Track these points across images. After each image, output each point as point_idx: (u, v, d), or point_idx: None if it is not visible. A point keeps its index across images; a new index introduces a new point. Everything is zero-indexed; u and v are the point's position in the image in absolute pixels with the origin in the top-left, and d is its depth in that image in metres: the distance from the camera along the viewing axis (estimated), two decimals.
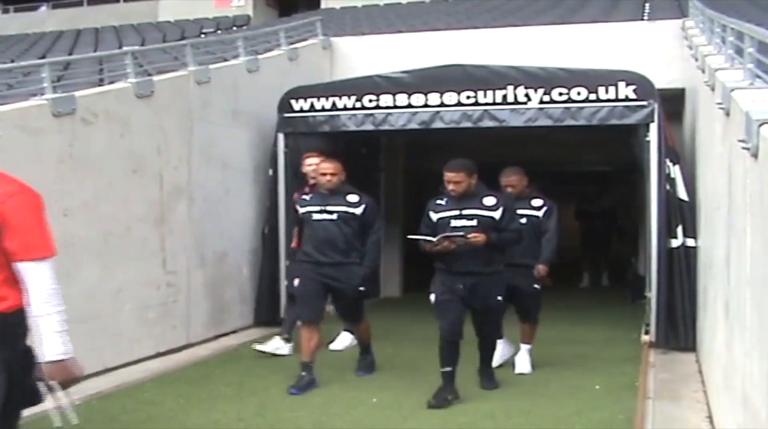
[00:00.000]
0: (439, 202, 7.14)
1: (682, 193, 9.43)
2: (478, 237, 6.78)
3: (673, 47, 12.17)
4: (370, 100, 10.67)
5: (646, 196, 9.86)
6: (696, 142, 9.79)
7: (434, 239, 6.83)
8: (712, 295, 7.13)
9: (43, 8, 31.46)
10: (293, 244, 9.01)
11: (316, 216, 7.69)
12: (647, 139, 9.61)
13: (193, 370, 8.35)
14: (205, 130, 9.91)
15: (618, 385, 7.60)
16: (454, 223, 6.96)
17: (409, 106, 10.54)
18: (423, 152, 14.60)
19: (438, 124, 10.47)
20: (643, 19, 14.95)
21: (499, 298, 7.12)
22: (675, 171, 9.51)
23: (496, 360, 7.89)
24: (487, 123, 10.29)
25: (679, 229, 9.34)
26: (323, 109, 10.85)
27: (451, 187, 6.96)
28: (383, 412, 6.73)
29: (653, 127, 9.57)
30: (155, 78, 9.49)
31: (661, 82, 10.14)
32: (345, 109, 10.77)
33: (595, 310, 12.64)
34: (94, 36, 23.56)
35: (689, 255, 9.26)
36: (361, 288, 7.73)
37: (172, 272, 9.20)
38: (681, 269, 9.31)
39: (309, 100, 10.89)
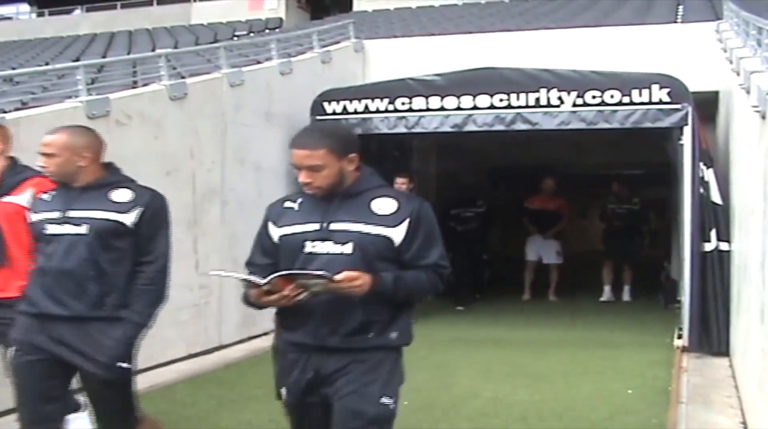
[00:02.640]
0: (288, 204, 3.77)
1: (715, 197, 9.36)
2: (354, 280, 3.40)
3: (707, 50, 12.08)
4: (403, 103, 10.67)
5: (679, 199, 9.81)
6: (730, 146, 9.72)
7: (263, 281, 3.50)
8: (746, 300, 7.08)
9: (78, 11, 31.73)
10: None
11: (52, 229, 4.25)
12: (681, 142, 9.55)
13: (224, 372, 8.39)
14: (238, 133, 9.95)
15: (651, 389, 7.56)
16: (311, 247, 3.57)
17: (442, 108, 10.53)
18: (456, 154, 14.62)
19: (470, 127, 10.45)
20: (676, 22, 14.88)
21: (388, 402, 3.75)
22: (709, 174, 9.44)
23: None
24: (520, 126, 10.26)
25: (713, 233, 9.26)
26: (356, 112, 10.86)
27: (302, 177, 3.62)
28: (415, 415, 6.71)
29: (687, 131, 9.51)
30: (189, 80, 9.54)
31: (694, 84, 10.07)
32: (377, 111, 10.78)
33: (627, 314, 12.56)
34: (127, 39, 23.74)
35: (723, 259, 9.18)
36: (122, 363, 4.14)
37: (205, 274, 9.24)
38: (714, 273, 9.23)
39: (341, 103, 10.91)
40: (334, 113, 10.92)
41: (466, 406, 6.99)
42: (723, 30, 12.07)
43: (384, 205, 3.60)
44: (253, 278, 3.55)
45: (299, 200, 3.74)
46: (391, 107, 10.73)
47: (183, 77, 9.92)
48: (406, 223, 3.54)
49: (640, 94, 9.74)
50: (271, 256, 3.77)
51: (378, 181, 3.76)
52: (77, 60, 16.96)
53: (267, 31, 24.06)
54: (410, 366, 8.50)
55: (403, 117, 10.70)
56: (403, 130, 10.77)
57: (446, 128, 10.57)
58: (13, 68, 16.83)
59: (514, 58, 11.69)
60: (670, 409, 6.80)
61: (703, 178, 9.42)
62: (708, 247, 9.29)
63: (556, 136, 11.24)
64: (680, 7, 16.74)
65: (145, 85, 9.61)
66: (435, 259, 3.60)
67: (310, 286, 3.46)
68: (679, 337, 9.49)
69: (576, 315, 12.44)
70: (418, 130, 10.74)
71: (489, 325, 11.53)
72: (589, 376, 8.16)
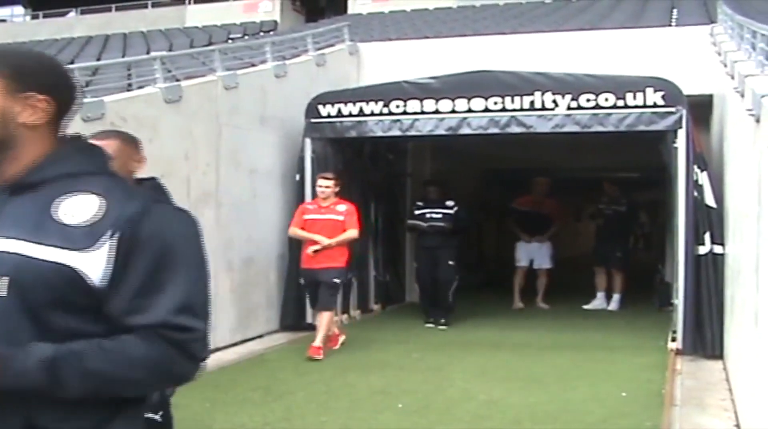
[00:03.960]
0: None
1: (709, 200, 9.37)
2: None
3: (702, 53, 12.10)
4: (398, 106, 10.67)
5: (673, 202, 9.82)
6: (724, 149, 9.74)
7: None
8: (740, 303, 7.09)
9: (72, 14, 31.73)
10: None
11: None
12: (675, 145, 9.56)
13: (219, 375, 8.37)
14: (232, 136, 9.95)
15: (644, 392, 7.56)
16: None
17: (437, 111, 10.53)
18: (450, 157, 14.62)
19: (465, 130, 10.45)
20: (671, 25, 14.92)
21: None
22: (703, 178, 9.45)
23: None
24: (515, 129, 10.26)
25: (707, 236, 9.28)
26: (350, 115, 10.86)
27: None
28: (409, 417, 6.74)
29: (681, 134, 9.52)
30: (183, 83, 9.54)
31: (689, 88, 10.08)
32: (372, 114, 10.78)
33: (621, 317, 12.58)
34: (122, 41, 23.73)
35: (717, 262, 9.19)
36: None
37: None
38: (708, 276, 9.25)
39: (336, 106, 10.91)
40: (328, 116, 10.92)
41: (460, 408, 7.00)
42: (717, 33, 12.10)
43: (77, 209, 1.92)
44: None
45: None
46: (385, 110, 10.72)
47: (178, 80, 9.92)
48: (108, 244, 1.87)
49: (635, 98, 9.75)
50: None
51: (85, 165, 2.04)
52: (72, 62, 16.93)
53: (261, 33, 24.09)
54: (404, 368, 8.55)
55: (398, 120, 10.71)
56: (398, 133, 10.77)
57: (441, 131, 10.58)
58: None
59: (508, 61, 11.71)
60: (664, 411, 6.82)
61: (697, 181, 9.43)
62: (702, 250, 9.31)
63: (550, 138, 11.25)
64: (674, 11, 16.78)
65: (140, 87, 9.60)
66: (164, 314, 1.89)
67: None
68: (673, 339, 9.50)
69: (570, 318, 12.44)
70: (412, 133, 10.75)
71: (483, 327, 11.52)
72: (583, 379, 8.16)
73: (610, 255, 13.72)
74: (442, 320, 11.62)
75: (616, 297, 13.65)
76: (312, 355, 8.91)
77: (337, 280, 9.33)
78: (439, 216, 11.82)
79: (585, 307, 13.64)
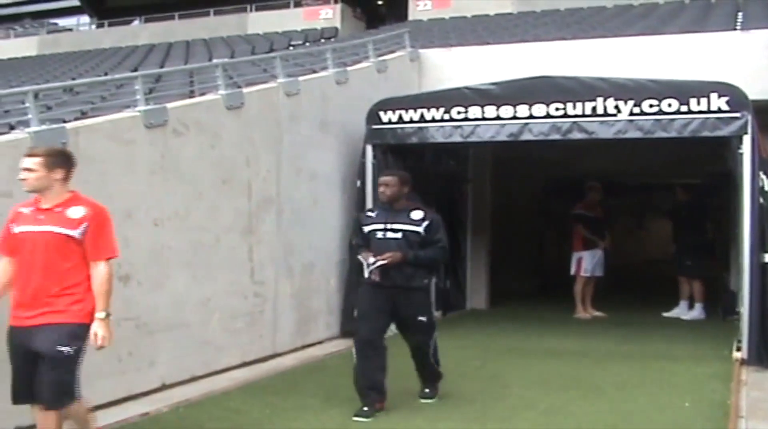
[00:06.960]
0: None
1: None
2: None
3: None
4: (459, 112, 10.64)
5: (738, 209, 9.66)
6: None
7: None
8: None
9: (136, 22, 32.21)
10: None
11: None
12: (740, 151, 9.41)
13: (278, 380, 8.41)
14: (293, 142, 9.99)
15: (709, 403, 7.44)
16: None
17: (498, 118, 10.47)
18: (511, 163, 14.55)
19: (527, 136, 10.38)
20: (735, 29, 14.68)
21: None
22: None
23: None
24: (576, 135, 10.17)
25: None
26: (411, 121, 10.86)
27: None
28: (469, 425, 6.69)
29: (746, 139, 9.37)
30: (245, 90, 9.60)
31: (754, 92, 9.91)
32: (433, 120, 10.77)
33: (684, 326, 12.42)
34: (184, 49, 24.02)
35: None
36: None
37: (260, 282, 9.27)
38: None
39: (397, 112, 10.92)
40: (389, 122, 10.94)
41: (520, 417, 6.94)
42: None
43: None
44: None
45: None
46: (446, 116, 10.70)
47: (239, 87, 9.99)
48: None
49: (698, 103, 9.61)
50: None
51: None
52: (135, 70, 17.17)
53: (322, 40, 24.21)
54: (464, 376, 8.50)
55: (459, 126, 10.67)
56: (459, 139, 10.74)
57: (502, 137, 10.52)
58: (74, 79, 17.10)
59: (570, 66, 11.64)
60: (730, 423, 6.68)
61: (763, 187, 9.28)
62: None
63: (612, 145, 11.14)
64: (739, 14, 16.53)
65: (202, 94, 9.68)
66: None
67: None
68: (738, 349, 9.34)
69: (631, 327, 12.29)
70: (473, 139, 10.70)
71: (543, 335, 11.44)
72: (645, 388, 8.06)
73: (679, 263, 13.64)
74: (426, 390, 7.53)
75: (697, 306, 13.40)
76: None
77: (65, 350, 4.88)
78: (398, 236, 7.13)
79: (664, 314, 13.49)
